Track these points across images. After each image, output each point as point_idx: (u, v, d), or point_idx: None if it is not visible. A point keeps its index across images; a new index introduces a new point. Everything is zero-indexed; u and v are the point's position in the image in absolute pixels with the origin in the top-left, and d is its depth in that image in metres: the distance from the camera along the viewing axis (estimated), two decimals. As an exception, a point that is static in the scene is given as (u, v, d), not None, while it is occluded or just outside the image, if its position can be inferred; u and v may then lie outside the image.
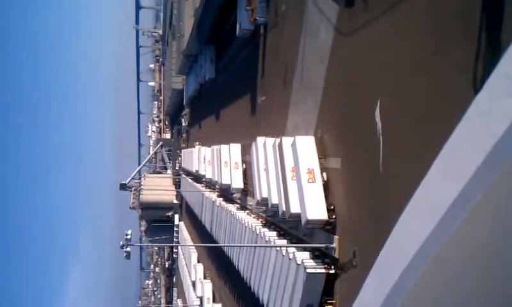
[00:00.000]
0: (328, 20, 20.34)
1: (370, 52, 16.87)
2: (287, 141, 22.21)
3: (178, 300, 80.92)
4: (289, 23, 26.46)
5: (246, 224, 30.62)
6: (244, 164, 36.21)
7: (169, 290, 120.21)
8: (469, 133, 6.66)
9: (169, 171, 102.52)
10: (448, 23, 12.59)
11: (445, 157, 7.31)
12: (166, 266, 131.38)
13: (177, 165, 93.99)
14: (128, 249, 19.07)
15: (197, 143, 61.68)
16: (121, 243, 18.84)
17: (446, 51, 12.65)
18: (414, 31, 14.18)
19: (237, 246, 32.97)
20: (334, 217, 19.09)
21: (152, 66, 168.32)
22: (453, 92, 12.24)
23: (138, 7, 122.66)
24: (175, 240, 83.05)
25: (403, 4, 14.63)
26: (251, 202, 33.49)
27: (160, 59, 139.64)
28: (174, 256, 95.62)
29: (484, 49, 11.17)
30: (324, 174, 20.02)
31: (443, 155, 7.36)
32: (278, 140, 23.64)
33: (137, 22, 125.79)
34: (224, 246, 37.85)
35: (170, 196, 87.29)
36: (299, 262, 19.98)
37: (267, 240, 25.86)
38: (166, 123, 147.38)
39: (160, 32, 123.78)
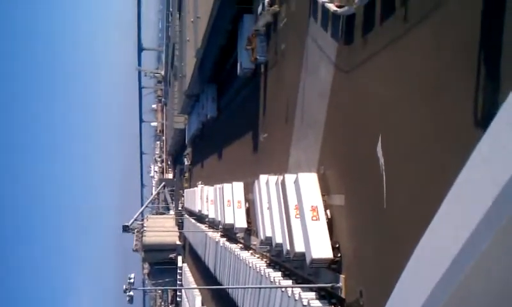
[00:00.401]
0: (328, 58, 20.48)
1: (370, 87, 16.86)
2: (289, 178, 22.02)
3: (183, 344, 78.98)
4: (289, 62, 26.69)
5: (250, 265, 30.12)
6: (247, 203, 35.90)
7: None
8: (473, 179, 6.60)
9: (171, 212, 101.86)
10: (450, 58, 12.58)
11: (451, 203, 7.24)
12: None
13: (180, 205, 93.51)
14: (131, 293, 18.69)
15: (199, 182, 61.50)
16: (124, 287, 18.47)
17: (448, 86, 12.60)
18: (415, 67, 14.18)
19: (241, 288, 32.32)
20: (339, 255, 18.70)
21: (154, 106, 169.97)
22: (455, 127, 12.12)
23: (140, 49, 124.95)
24: (178, 282, 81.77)
25: (403, 39, 14.69)
26: (254, 242, 33.02)
27: (163, 100, 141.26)
28: (178, 299, 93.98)
29: (486, 84, 11.11)
30: (328, 212, 19.73)
31: (448, 201, 7.30)
32: (280, 177, 23.45)
33: (139, 64, 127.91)
34: (228, 288, 37.13)
35: (173, 237, 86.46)
36: (305, 303, 19.50)
37: (272, 280, 25.34)
38: (169, 163, 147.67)
39: (163, 73, 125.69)
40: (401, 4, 14.73)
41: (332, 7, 19.70)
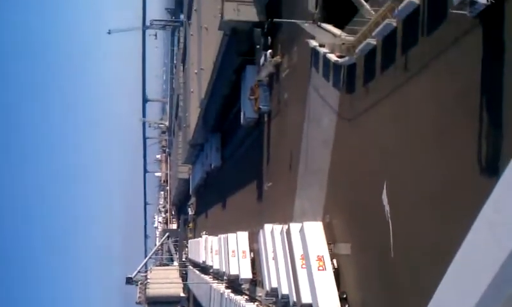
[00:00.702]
0: (330, 106, 20.70)
1: (373, 135, 16.95)
2: (294, 227, 21.81)
3: None
4: (292, 111, 26.98)
5: (256, 317, 29.37)
6: (252, 253, 35.40)
7: None
8: (480, 245, 6.52)
9: (175, 263, 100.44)
10: (451, 106, 12.69)
11: (457, 268, 7.14)
12: None
13: (184, 256, 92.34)
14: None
15: (204, 232, 60.94)
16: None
17: (449, 133, 12.65)
18: (416, 114, 14.30)
19: (247, 341, 31.40)
20: (347, 306, 18.27)
21: (158, 156, 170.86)
22: (459, 174, 12.10)
23: (145, 100, 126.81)
24: (182, 337, 79.54)
25: (404, 87, 14.88)
26: (260, 293, 32.33)
27: (167, 150, 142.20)
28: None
29: (488, 131, 11.15)
30: (335, 261, 19.43)
31: (454, 266, 7.20)
32: (285, 227, 23.23)
33: (144, 115, 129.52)
34: (233, 341, 36.07)
35: (177, 289, 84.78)
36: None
37: (278, 333, 24.64)
38: (173, 213, 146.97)
39: (167, 123, 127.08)
40: (401, 53, 15.03)
41: (333, 57, 20.10)
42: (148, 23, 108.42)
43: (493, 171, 10.88)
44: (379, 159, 16.30)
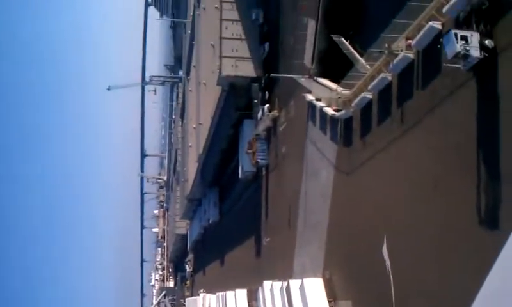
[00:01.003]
0: (328, 160, 20.69)
1: (371, 188, 16.83)
2: (294, 284, 21.30)
3: None
4: (290, 164, 26.95)
5: None
6: (250, 311, 34.39)
7: None
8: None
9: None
10: (447, 157, 12.65)
11: None
12: None
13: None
14: None
15: (201, 290, 59.47)
16: None
17: (446, 185, 12.57)
18: (414, 166, 14.25)
19: None
20: None
21: (156, 212, 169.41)
22: (458, 227, 11.92)
23: (143, 155, 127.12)
24: None
25: (401, 140, 14.91)
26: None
27: (165, 205, 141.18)
28: None
29: (485, 183, 11.06)
30: (336, 319, 18.83)
31: None
32: (285, 283, 22.68)
33: (142, 170, 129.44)
34: None
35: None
36: None
37: None
38: (170, 270, 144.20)
39: (165, 178, 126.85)
40: (397, 106, 15.15)
41: (330, 111, 20.28)
42: (147, 79, 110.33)
43: (492, 220, 10.72)
44: (378, 213, 16.11)
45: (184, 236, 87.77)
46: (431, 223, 13.07)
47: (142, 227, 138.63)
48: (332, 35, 20.37)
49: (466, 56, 11.10)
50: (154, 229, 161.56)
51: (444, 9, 12.16)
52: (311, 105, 22.77)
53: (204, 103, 47.94)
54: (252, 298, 33.63)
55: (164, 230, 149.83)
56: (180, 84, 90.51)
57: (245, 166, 35.22)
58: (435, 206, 12.97)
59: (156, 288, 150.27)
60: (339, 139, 19.64)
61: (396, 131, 15.09)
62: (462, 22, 11.63)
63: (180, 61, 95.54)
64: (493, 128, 10.86)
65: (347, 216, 18.77)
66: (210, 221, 55.37)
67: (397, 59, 14.54)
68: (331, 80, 20.64)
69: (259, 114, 31.54)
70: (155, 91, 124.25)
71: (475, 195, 11.25)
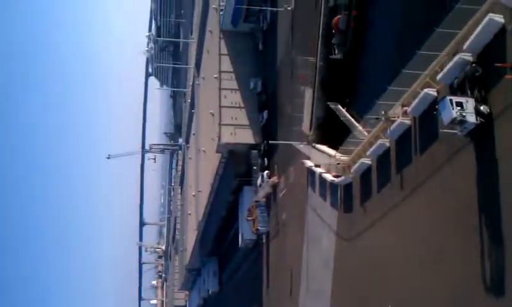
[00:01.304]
0: (329, 226, 20.47)
1: (373, 254, 16.55)
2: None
3: None
4: (291, 231, 26.62)
5: None
6: None
7: None
8: None
9: None
10: (448, 221, 12.52)
11: None
12: None
13: None
14: None
15: None
16: None
17: (448, 251, 12.37)
18: (415, 231, 14.08)
19: None
20: None
21: (154, 283, 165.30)
22: (463, 294, 11.65)
23: (142, 224, 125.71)
24: None
25: (401, 206, 14.82)
26: None
27: (163, 275, 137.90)
28: None
29: (488, 244, 10.89)
30: None
31: None
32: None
33: (140, 239, 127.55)
34: None
35: None
36: None
37: None
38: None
39: (163, 247, 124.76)
40: (396, 172, 15.17)
41: (329, 177, 20.29)
42: (147, 147, 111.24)
43: (497, 285, 10.46)
44: (382, 280, 15.75)
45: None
46: (437, 291, 12.74)
47: (140, 299, 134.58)
48: (329, 103, 20.80)
49: (462, 122, 11.23)
50: (152, 301, 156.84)
51: (438, 77, 12.46)
52: (310, 171, 22.83)
53: (203, 171, 48.08)
54: None
55: (162, 302, 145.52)
56: (179, 152, 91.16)
57: (245, 234, 34.77)
58: (439, 273, 12.71)
59: None
60: (339, 205, 19.54)
61: (396, 197, 15.04)
62: (456, 88, 11.87)
63: (179, 129, 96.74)
64: (492, 192, 10.83)
65: (350, 283, 18.34)
66: (210, 292, 53.95)
67: (394, 125, 14.72)
68: (330, 146, 20.82)
69: (259, 181, 31.54)
70: (154, 158, 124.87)
71: (479, 261, 11.05)
